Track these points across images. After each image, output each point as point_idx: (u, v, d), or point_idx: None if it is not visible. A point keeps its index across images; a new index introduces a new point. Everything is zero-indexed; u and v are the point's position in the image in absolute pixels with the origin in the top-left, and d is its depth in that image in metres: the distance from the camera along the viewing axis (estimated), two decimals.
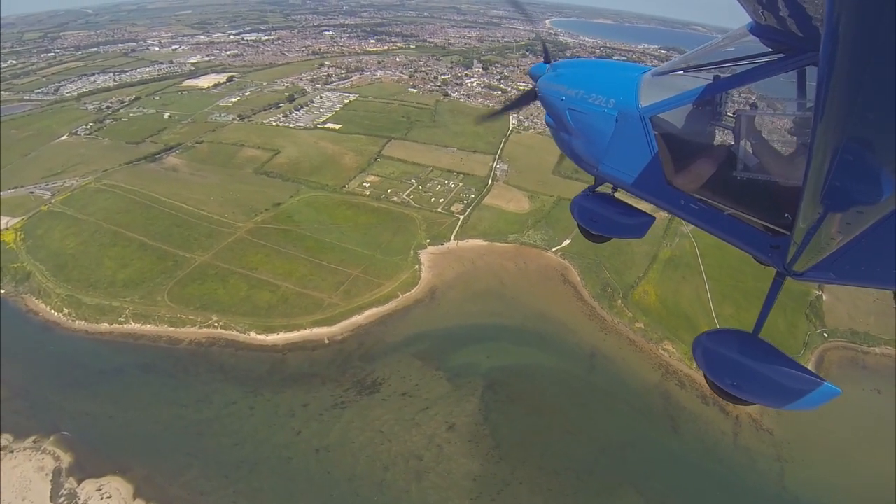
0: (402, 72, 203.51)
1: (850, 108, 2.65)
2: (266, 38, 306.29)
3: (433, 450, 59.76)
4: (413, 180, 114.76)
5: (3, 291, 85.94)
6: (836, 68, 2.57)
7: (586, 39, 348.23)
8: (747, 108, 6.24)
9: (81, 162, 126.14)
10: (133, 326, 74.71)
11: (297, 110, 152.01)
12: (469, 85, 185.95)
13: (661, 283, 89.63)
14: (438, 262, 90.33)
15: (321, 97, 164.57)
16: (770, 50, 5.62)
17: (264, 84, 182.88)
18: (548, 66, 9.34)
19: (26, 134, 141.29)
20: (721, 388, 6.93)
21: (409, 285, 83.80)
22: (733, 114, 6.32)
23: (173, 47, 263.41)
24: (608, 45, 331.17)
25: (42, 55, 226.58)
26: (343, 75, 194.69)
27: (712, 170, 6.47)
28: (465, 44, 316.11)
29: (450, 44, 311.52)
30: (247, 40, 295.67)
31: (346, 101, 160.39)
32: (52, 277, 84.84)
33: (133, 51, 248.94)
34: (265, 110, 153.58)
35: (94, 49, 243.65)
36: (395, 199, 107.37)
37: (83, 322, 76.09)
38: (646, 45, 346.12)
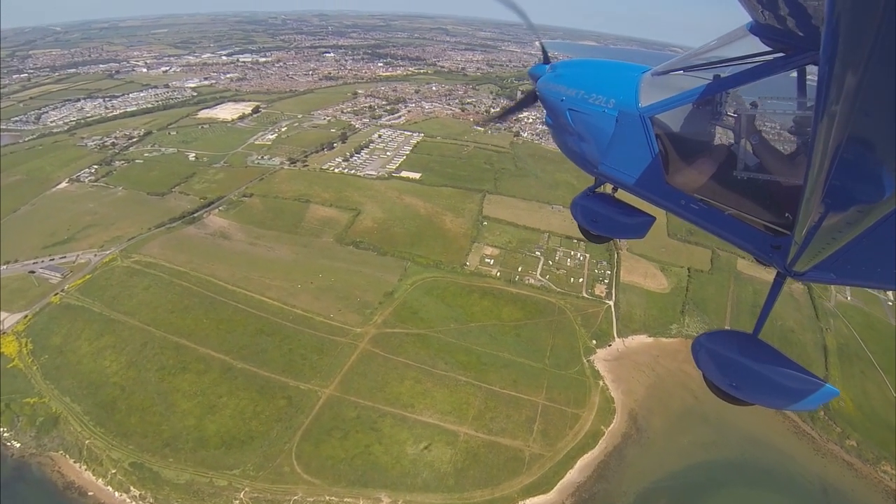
0: (448, 103, 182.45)
1: (851, 107, 2.59)
2: (263, 59, 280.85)
3: None
4: (538, 252, 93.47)
5: (17, 445, 57.72)
6: (837, 67, 2.53)
7: None
8: (747, 107, 6.01)
9: (94, 223, 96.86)
10: None
11: (358, 153, 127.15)
12: (528, 121, 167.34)
13: (849, 384, 77.95)
14: (619, 374, 71.06)
15: (380, 136, 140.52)
16: (770, 49, 5.42)
17: (299, 117, 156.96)
18: (547, 66, 8.78)
19: (13, 178, 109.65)
20: (720, 389, 6.73)
21: (606, 413, 64.08)
22: (733, 113, 6.14)
23: (163, 69, 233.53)
24: None
25: (14, 76, 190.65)
26: (388, 108, 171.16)
27: (713, 169, 6.29)
28: (477, 69, 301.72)
29: (462, 68, 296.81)
30: (244, 62, 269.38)
31: (413, 142, 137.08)
32: (96, 428, 57.35)
33: (118, 72, 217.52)
34: (318, 152, 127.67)
35: (73, 70, 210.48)
36: (531, 280, 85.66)
37: None
38: None
